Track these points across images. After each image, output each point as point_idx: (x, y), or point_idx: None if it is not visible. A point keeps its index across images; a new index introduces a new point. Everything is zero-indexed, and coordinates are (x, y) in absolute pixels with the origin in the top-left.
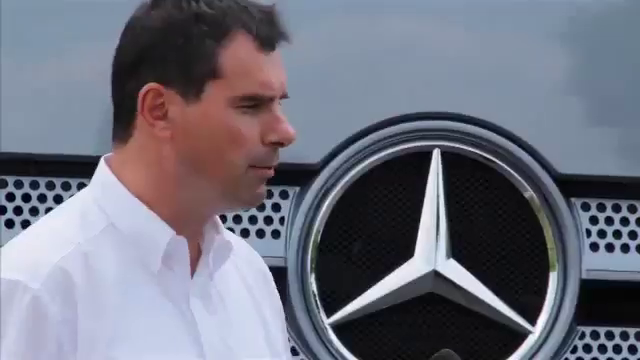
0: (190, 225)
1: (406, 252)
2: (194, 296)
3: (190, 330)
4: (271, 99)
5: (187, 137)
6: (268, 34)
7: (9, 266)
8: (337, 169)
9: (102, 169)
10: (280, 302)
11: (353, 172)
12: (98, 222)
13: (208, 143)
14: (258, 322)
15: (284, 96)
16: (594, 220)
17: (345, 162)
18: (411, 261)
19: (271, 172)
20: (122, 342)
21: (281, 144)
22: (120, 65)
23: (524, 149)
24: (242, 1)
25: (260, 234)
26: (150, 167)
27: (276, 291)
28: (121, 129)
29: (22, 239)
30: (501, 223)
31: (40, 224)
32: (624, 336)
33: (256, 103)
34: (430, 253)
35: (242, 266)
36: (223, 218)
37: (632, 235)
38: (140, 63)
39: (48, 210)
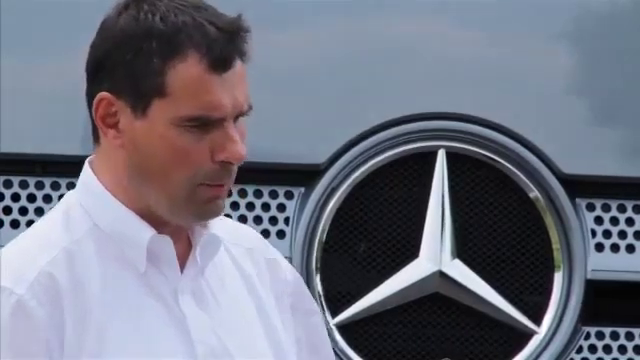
0: (167, 224)
1: (411, 252)
2: (184, 293)
3: (179, 328)
4: (222, 119)
5: (135, 149)
6: (221, 54)
7: None
8: (342, 169)
9: (85, 170)
10: (286, 286)
11: (358, 172)
12: (82, 224)
13: (154, 159)
14: (257, 321)
15: (242, 114)
16: (599, 220)
17: (350, 162)
18: (416, 261)
19: (222, 190)
20: (109, 347)
21: (230, 163)
22: (87, 65)
23: (529, 149)
24: (201, 16)
25: (265, 234)
26: (114, 170)
27: (283, 275)
28: (93, 131)
29: (9, 246)
30: (506, 223)
31: (28, 230)
32: (629, 336)
33: (204, 122)
34: (435, 253)
35: (241, 258)
36: (227, 217)
37: (637, 235)
38: (98, 69)
39: None
